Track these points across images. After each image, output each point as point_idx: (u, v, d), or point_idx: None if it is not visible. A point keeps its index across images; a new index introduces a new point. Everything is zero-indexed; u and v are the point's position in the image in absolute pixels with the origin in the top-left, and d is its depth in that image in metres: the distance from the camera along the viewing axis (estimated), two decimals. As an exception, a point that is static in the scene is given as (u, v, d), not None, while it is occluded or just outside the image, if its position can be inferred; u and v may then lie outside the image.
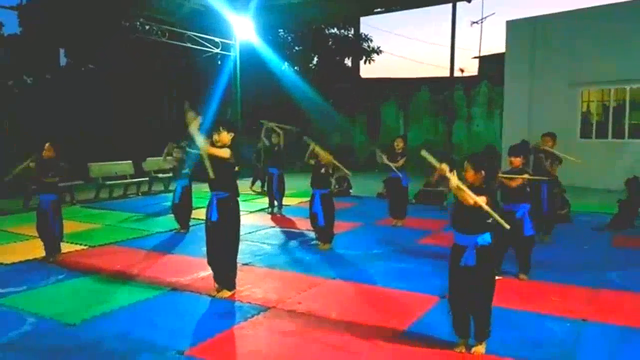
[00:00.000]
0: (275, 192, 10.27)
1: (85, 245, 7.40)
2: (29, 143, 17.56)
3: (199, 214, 10.03)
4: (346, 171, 7.63)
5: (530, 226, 5.59)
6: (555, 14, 14.67)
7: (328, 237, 7.22)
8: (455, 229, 3.85)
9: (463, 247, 3.76)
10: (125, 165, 13.56)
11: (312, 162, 7.30)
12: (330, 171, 7.32)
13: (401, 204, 8.94)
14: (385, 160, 8.57)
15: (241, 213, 8.87)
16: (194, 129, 4.89)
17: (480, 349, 3.80)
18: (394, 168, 8.49)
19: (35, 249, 7.01)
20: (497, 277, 5.22)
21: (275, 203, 10.33)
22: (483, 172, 3.80)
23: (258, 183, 13.33)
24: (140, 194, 13.25)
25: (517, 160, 5.65)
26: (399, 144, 8.74)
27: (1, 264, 6.39)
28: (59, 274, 5.95)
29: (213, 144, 5.02)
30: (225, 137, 5.02)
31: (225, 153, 4.92)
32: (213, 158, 4.84)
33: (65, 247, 7.06)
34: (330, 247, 7.17)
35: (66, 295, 5.27)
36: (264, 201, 11.14)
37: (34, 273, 5.99)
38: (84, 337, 4.16)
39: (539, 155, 7.36)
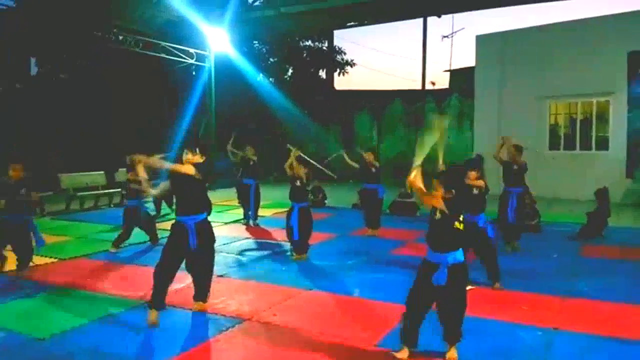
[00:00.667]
0: (251, 203, 10.24)
1: (55, 258, 7.23)
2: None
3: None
4: (331, 174, 7.75)
5: (491, 232, 5.81)
6: (524, 29, 15.11)
7: (304, 248, 7.23)
8: (428, 245, 3.91)
9: (434, 265, 3.81)
10: (96, 176, 13.34)
11: (289, 172, 7.28)
12: (305, 181, 7.33)
13: (375, 214, 9.03)
14: (348, 160, 9.32)
15: (216, 224, 8.86)
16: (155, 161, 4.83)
17: (454, 353, 3.88)
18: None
19: (6, 262, 6.82)
20: (469, 288, 5.32)
21: (250, 214, 10.29)
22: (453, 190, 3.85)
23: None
24: (112, 205, 13.03)
25: (474, 174, 5.89)
26: (369, 157, 8.93)
27: (-33, 278, 6.20)
28: (27, 287, 5.79)
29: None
30: (199, 159, 4.81)
31: (189, 169, 4.68)
32: (181, 179, 4.70)
33: (35, 260, 6.90)
34: (306, 257, 7.18)
35: (35, 309, 5.14)
36: (239, 212, 11.09)
37: (2, 287, 5.84)
38: (54, 352, 4.06)
39: (512, 167, 7.60)
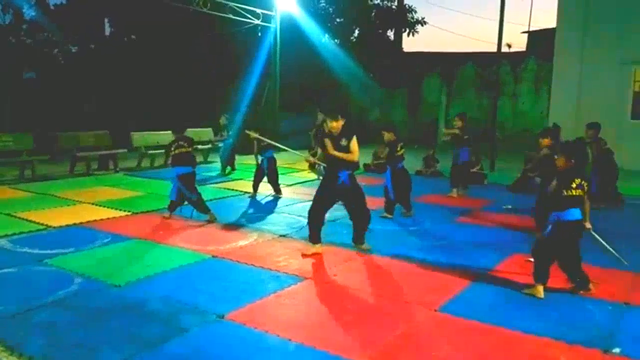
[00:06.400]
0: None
1: (128, 211, 7.63)
2: (75, 111, 18.19)
3: (238, 185, 10.21)
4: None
5: None
6: (611, -13, 13.96)
7: (390, 209, 7.54)
8: (573, 207, 4.40)
9: (579, 221, 4.45)
10: (166, 135, 13.76)
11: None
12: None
13: (454, 177, 9.43)
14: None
15: (281, 186, 8.97)
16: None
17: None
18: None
19: (82, 213, 7.31)
20: (528, 260, 5.18)
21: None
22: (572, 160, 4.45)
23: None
24: (180, 163, 13.50)
25: (546, 141, 6.18)
26: (457, 123, 9.21)
27: (49, 226, 6.67)
28: (104, 237, 6.17)
29: (330, 131, 5.53)
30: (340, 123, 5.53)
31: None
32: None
33: (110, 213, 7.35)
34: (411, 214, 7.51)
35: (112, 258, 5.47)
36: (301, 175, 11.28)
37: (81, 236, 6.23)
38: (128, 298, 4.33)
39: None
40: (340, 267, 5.25)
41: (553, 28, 15.37)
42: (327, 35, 22.17)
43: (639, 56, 13.15)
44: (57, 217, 7.12)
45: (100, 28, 21.71)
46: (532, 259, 5.17)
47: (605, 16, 13.63)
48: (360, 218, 5.83)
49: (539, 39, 21.16)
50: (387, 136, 7.60)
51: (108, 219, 7.08)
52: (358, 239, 5.92)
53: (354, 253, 5.75)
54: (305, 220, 7.29)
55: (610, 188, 8.65)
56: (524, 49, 23.01)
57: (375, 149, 12.24)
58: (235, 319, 3.95)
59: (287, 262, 5.35)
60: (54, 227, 6.64)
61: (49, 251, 5.58)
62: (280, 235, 6.44)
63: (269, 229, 6.82)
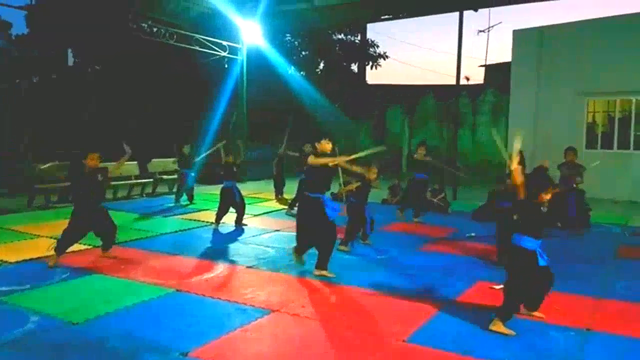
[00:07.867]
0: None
1: (89, 245, 7.38)
2: (35, 142, 17.73)
3: (203, 216, 10.07)
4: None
5: None
6: (562, 24, 14.68)
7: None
8: (528, 235, 4.31)
9: (533, 252, 4.30)
10: (130, 166, 13.57)
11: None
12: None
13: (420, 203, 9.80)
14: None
15: (246, 216, 8.96)
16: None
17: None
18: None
19: (40, 247, 7.04)
20: (498, 287, 5.26)
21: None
22: None
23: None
24: (144, 195, 13.27)
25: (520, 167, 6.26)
26: (421, 151, 9.58)
27: (5, 262, 6.40)
28: (63, 273, 5.95)
29: (323, 151, 5.95)
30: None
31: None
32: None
33: (70, 247, 7.08)
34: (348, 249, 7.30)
35: (70, 294, 5.27)
36: (269, 205, 11.21)
37: (38, 272, 6.00)
38: (88, 336, 4.16)
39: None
40: (308, 299, 5.20)
41: (509, 62, 16.00)
42: (293, 68, 22.47)
43: (592, 88, 13.77)
44: (14, 252, 6.85)
45: (62, 58, 21.41)
46: (497, 287, 5.28)
47: (559, 49, 14.27)
48: (330, 240, 5.94)
49: (495, 72, 21.99)
50: (374, 174, 7.48)
51: (67, 252, 6.82)
52: (324, 264, 5.96)
53: (321, 283, 5.72)
54: (273, 251, 7.29)
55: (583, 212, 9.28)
56: (482, 82, 23.84)
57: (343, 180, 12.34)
58: (199, 356, 3.85)
59: (254, 295, 5.27)
60: (10, 263, 6.37)
61: (3, 288, 5.34)
62: (247, 267, 6.36)
63: (236, 260, 6.72)
